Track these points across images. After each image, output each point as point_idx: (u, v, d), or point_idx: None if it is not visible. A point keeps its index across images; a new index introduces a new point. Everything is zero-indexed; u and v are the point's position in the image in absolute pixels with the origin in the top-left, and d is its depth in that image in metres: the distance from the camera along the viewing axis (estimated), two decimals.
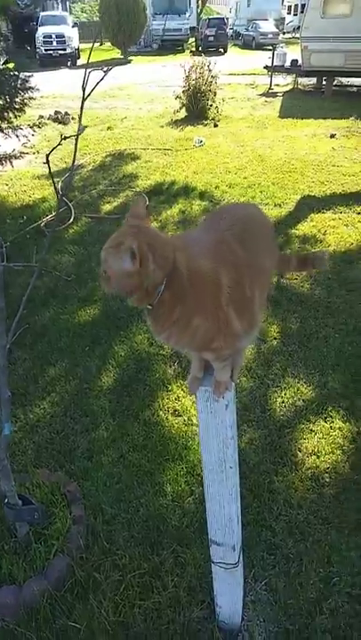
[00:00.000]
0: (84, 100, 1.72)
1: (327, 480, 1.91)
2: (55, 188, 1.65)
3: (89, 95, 1.69)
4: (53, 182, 1.59)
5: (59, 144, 2.02)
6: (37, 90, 5.15)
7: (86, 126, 1.87)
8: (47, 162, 1.98)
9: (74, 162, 1.73)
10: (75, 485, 1.87)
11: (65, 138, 2.01)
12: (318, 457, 2.01)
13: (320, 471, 1.95)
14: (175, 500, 1.84)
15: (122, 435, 2.14)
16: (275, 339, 2.70)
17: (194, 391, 1.11)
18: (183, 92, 7.55)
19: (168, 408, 2.27)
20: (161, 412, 2.24)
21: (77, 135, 1.91)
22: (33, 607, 1.47)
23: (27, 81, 5.02)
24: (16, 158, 5.11)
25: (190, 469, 1.96)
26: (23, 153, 5.96)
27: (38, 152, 5.93)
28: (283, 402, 2.29)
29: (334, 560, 1.63)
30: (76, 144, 1.75)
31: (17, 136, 4.98)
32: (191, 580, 1.58)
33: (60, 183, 4.95)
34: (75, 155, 1.68)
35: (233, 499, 1.21)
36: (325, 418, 2.19)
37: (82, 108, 1.71)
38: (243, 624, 1.46)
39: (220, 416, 1.10)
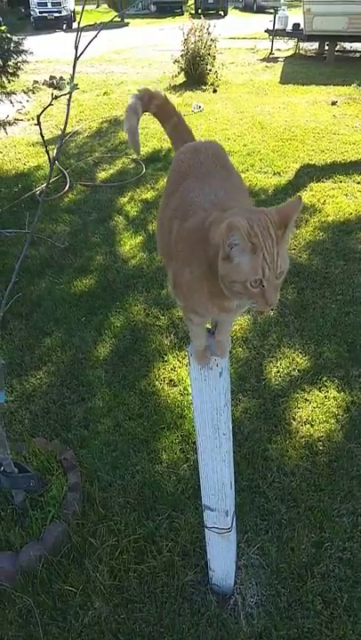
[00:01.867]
0: (76, 58, 1.54)
1: (321, 448, 1.87)
2: (47, 153, 1.50)
3: (82, 53, 1.51)
4: (44, 143, 1.44)
5: (50, 104, 1.86)
6: (31, 53, 4.82)
7: (77, 84, 1.71)
8: (38, 123, 1.82)
9: (66, 123, 1.57)
10: (71, 453, 1.83)
11: (56, 97, 1.84)
12: (312, 426, 1.97)
13: (314, 439, 1.91)
14: (170, 467, 1.81)
15: (118, 404, 2.09)
16: (271, 309, 2.61)
17: (205, 362, 1.03)
18: (182, 55, 7.11)
19: (164, 378, 2.21)
20: (157, 382, 2.18)
21: (70, 92, 1.74)
22: (30, 572, 1.45)
23: (20, 44, 4.68)
24: (10, 125, 4.84)
25: (185, 437, 1.92)
26: (17, 119, 5.65)
27: (33, 119, 5.62)
28: (278, 372, 2.23)
29: (326, 526, 1.61)
30: (68, 104, 1.58)
31: (11, 102, 4.69)
32: (185, 544, 1.56)
33: (54, 150, 4.72)
34: (67, 116, 1.52)
35: (226, 465, 1.19)
36: (320, 387, 2.14)
37: (74, 66, 1.53)
38: (235, 587, 1.45)
39: (213, 383, 1.06)
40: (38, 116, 1.74)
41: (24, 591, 1.43)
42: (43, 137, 1.66)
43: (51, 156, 1.49)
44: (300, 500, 1.69)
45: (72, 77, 1.71)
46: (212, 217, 0.79)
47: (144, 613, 1.40)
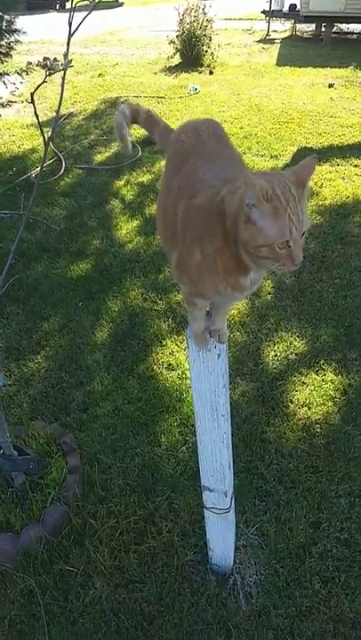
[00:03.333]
0: (70, 35, 1.43)
1: (318, 430, 1.85)
2: (42, 132, 1.41)
3: (76, 29, 1.41)
4: (39, 122, 1.35)
5: (44, 81, 1.76)
6: (24, 33, 4.61)
7: (71, 60, 1.61)
8: (32, 101, 1.72)
9: (61, 100, 1.48)
10: (70, 436, 1.80)
11: (51, 73, 1.74)
12: (310, 408, 1.94)
13: (311, 422, 1.89)
14: (169, 450, 1.78)
15: (116, 388, 2.05)
16: (269, 294, 2.56)
17: (205, 344, 1.00)
18: (177, 36, 6.84)
19: (162, 362, 2.17)
20: (155, 367, 2.14)
21: (65, 69, 1.64)
22: (30, 553, 1.43)
23: (12, 22, 4.47)
24: (3, 107, 4.67)
25: (184, 420, 1.89)
26: (11, 102, 5.43)
27: (27, 100, 5.41)
28: (275, 355, 2.19)
29: (324, 507, 1.60)
30: (63, 81, 1.49)
31: (4, 83, 4.51)
32: (185, 525, 1.54)
33: (49, 132, 4.56)
34: (62, 93, 1.43)
35: (225, 446, 1.17)
36: (317, 371, 2.11)
37: (68, 42, 1.43)
38: (234, 567, 1.44)
39: (211, 365, 1.03)
40: (32, 94, 1.65)
41: (25, 572, 1.41)
42: (37, 115, 1.57)
43: (45, 138, 1.41)
44: (298, 482, 1.67)
45: (66, 54, 1.60)
46: (224, 190, 0.75)
47: (144, 593, 1.39)
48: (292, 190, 0.68)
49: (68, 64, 1.46)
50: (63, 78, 1.54)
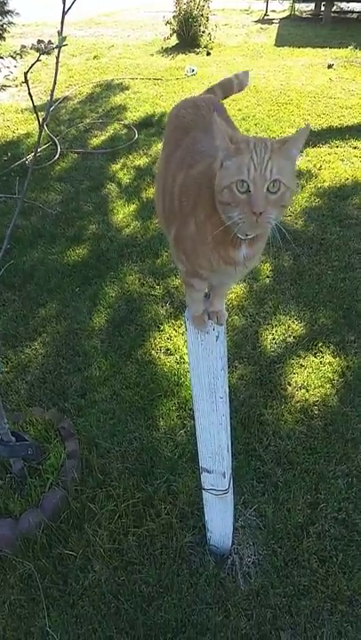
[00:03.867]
0: (64, 13, 1.33)
1: (316, 412, 1.82)
2: (36, 114, 1.34)
3: (70, 8, 1.31)
4: (33, 103, 1.28)
5: (37, 59, 1.67)
6: (17, 14, 4.43)
7: (65, 38, 1.51)
8: (26, 81, 1.63)
9: (55, 81, 1.39)
10: (68, 422, 1.77)
11: (43, 52, 1.65)
12: (308, 390, 1.91)
13: (309, 404, 1.86)
14: (168, 434, 1.76)
15: (114, 373, 2.01)
16: (267, 277, 2.50)
17: (204, 326, 0.97)
18: (174, 17, 6.59)
19: (160, 347, 2.12)
20: (153, 352, 2.10)
21: (59, 47, 1.54)
22: (30, 538, 1.41)
23: (5, 3, 4.29)
24: None
25: (182, 404, 1.86)
26: (5, 86, 5.27)
27: (21, 84, 5.24)
28: (274, 339, 2.15)
29: (321, 487, 1.58)
30: (57, 60, 1.39)
31: None
32: (183, 507, 1.53)
33: (43, 116, 4.42)
34: (56, 73, 1.34)
35: (223, 427, 1.16)
36: (315, 353, 2.07)
37: (62, 21, 1.33)
38: (233, 547, 1.43)
39: (210, 347, 1.01)
40: (26, 73, 1.56)
41: (24, 556, 1.39)
42: (31, 97, 1.48)
43: (40, 120, 1.33)
44: (296, 463, 1.65)
45: (60, 32, 1.50)
46: (219, 160, 0.70)
47: (143, 575, 1.37)
48: (266, 143, 0.65)
49: (62, 41, 1.37)
50: (57, 58, 1.45)
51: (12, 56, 4.53)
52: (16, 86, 5.40)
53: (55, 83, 1.27)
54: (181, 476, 1.60)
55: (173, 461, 1.65)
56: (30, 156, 3.73)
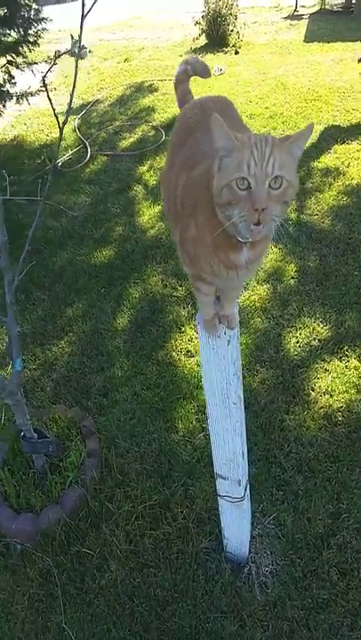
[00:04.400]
0: (82, 18, 1.30)
1: (340, 419, 1.72)
2: (57, 120, 1.32)
3: (87, 13, 1.28)
4: (52, 107, 1.26)
5: (54, 63, 1.65)
6: (51, 20, 4.47)
7: (77, 41, 1.49)
8: (44, 86, 1.62)
9: (74, 87, 1.37)
10: (90, 420, 1.76)
11: (59, 55, 1.63)
12: (332, 396, 1.80)
13: (333, 410, 1.75)
14: (186, 437, 1.71)
15: (136, 373, 1.98)
16: (292, 278, 2.39)
17: (214, 330, 0.93)
18: (203, 17, 6.45)
19: (181, 349, 2.08)
20: (174, 353, 2.06)
21: (71, 50, 1.52)
22: (49, 534, 1.41)
23: (39, 11, 4.34)
24: (32, 95, 4.58)
25: (201, 408, 1.81)
26: (40, 90, 5.35)
27: (55, 89, 5.30)
28: (297, 342, 2.05)
29: (344, 497, 1.49)
30: (76, 65, 1.36)
31: (32, 72, 4.41)
32: (200, 512, 1.48)
33: (76, 120, 4.45)
34: (75, 78, 1.32)
35: (237, 434, 1.10)
36: (341, 357, 1.95)
37: (82, 25, 1.30)
38: (250, 556, 1.37)
39: (222, 352, 0.96)
40: (43, 77, 1.55)
41: (44, 552, 1.40)
42: (50, 100, 1.46)
43: (65, 125, 1.31)
44: (318, 471, 1.56)
45: (80, 35, 1.47)
46: (216, 162, 0.66)
47: (159, 578, 1.34)
48: (267, 138, 0.60)
49: (75, 45, 1.35)
50: (76, 62, 1.42)
51: (46, 61, 4.59)
52: (50, 90, 5.47)
53: (74, 87, 1.24)
54: (199, 481, 1.56)
55: (191, 465, 1.61)
56: (61, 160, 3.77)
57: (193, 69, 0.99)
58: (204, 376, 1.02)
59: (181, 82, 0.99)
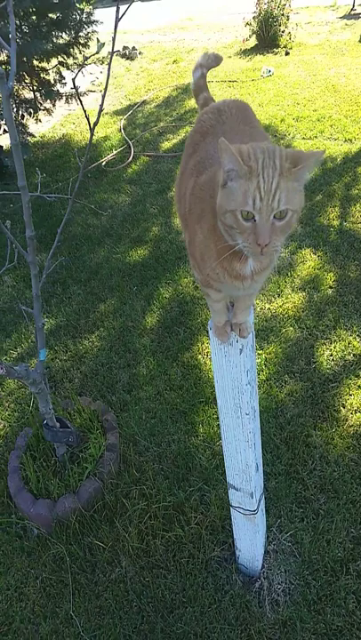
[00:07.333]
0: (117, 21, 1.33)
1: None
2: (88, 122, 1.36)
3: (122, 16, 1.30)
4: (83, 108, 1.31)
5: (83, 65, 1.70)
6: (102, 23, 4.62)
7: (103, 43, 1.51)
8: (74, 86, 1.66)
9: (106, 87, 1.40)
10: (112, 415, 1.79)
11: (86, 58, 1.70)
12: None
13: None
14: (206, 442, 1.70)
15: (160, 373, 2.00)
16: (330, 287, 2.31)
17: (224, 337, 0.91)
18: (254, 18, 6.39)
19: (207, 353, 2.07)
20: (199, 356, 2.05)
21: (97, 52, 1.55)
22: (64, 522, 1.45)
23: (91, 14, 4.50)
24: (82, 96, 4.75)
25: None
26: (90, 90, 5.53)
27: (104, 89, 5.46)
28: (331, 355, 1.98)
29: None
30: (109, 67, 1.39)
31: (82, 73, 4.59)
32: (214, 519, 1.46)
33: (121, 121, 4.57)
34: (107, 78, 1.35)
35: (250, 446, 1.07)
36: None
37: (116, 26, 1.33)
38: (262, 571, 1.34)
39: (234, 360, 0.93)
40: (73, 79, 1.58)
41: (58, 539, 1.44)
42: (81, 102, 1.49)
43: (96, 126, 1.35)
44: (342, 492, 1.50)
45: (114, 37, 1.49)
46: (221, 176, 0.65)
47: (168, 580, 1.34)
48: (276, 161, 0.58)
49: (100, 47, 1.38)
50: (109, 64, 1.45)
51: (96, 63, 4.74)
52: (100, 91, 5.64)
53: (107, 88, 1.26)
54: (215, 488, 1.54)
55: (209, 471, 1.59)
56: (105, 159, 3.87)
57: (207, 66, 0.99)
58: (215, 383, 1.00)
59: (201, 89, 0.98)
